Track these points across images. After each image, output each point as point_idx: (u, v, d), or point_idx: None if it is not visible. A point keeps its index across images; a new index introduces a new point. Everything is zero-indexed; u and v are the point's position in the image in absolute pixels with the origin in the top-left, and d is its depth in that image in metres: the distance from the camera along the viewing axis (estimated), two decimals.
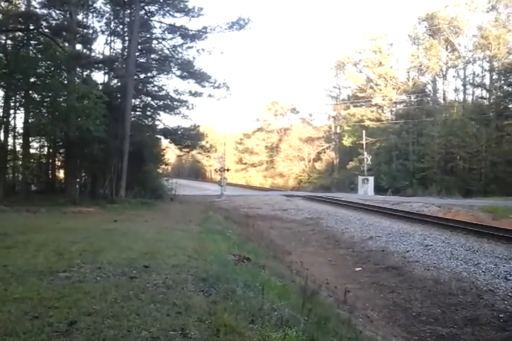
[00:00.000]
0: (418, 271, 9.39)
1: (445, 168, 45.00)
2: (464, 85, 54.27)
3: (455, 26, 50.89)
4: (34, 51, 22.51)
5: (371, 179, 43.83)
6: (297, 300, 5.79)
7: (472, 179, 43.44)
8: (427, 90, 56.11)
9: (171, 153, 36.85)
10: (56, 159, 27.19)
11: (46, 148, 27.01)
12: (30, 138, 23.90)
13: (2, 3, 22.09)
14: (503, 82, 49.57)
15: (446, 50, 53.30)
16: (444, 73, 55.30)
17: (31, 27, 21.74)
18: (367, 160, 47.39)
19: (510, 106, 48.98)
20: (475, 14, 51.87)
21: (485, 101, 51.29)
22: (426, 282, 8.56)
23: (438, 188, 42.55)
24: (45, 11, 23.63)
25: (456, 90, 56.09)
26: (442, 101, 55.74)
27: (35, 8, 23.58)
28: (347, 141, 59.48)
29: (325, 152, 67.65)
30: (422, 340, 6.32)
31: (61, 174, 27.05)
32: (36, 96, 22.38)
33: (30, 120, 22.28)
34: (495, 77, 50.55)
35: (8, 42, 22.58)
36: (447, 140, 45.14)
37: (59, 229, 10.26)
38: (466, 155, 44.33)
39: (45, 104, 21.98)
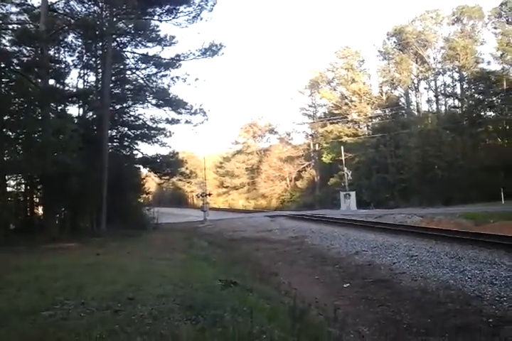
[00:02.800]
0: (406, 282, 9.41)
1: (424, 178, 45.57)
2: (436, 96, 55.63)
3: (423, 39, 52.50)
4: (6, 89, 22.42)
5: (353, 194, 44.16)
6: (287, 321, 5.75)
7: (452, 187, 44.02)
8: (400, 103, 57.30)
9: (151, 181, 36.67)
10: (34, 196, 26.77)
11: (23, 186, 26.63)
12: (6, 177, 23.55)
13: None
14: (473, 90, 51.06)
15: (416, 63, 54.74)
16: (416, 85, 56.74)
17: (2, 65, 21.70)
18: (347, 175, 47.81)
19: (482, 113, 50.31)
20: (441, 26, 53.89)
21: (457, 110, 52.61)
22: (414, 293, 8.57)
23: (419, 199, 43.03)
24: (15, 49, 23.62)
25: (429, 101, 57.57)
26: (416, 113, 56.92)
27: (5, 46, 23.57)
28: (326, 158, 60.04)
29: (305, 170, 68.05)
30: None
31: (40, 210, 26.62)
32: (11, 133, 22.18)
33: (5, 158, 22.02)
34: (465, 86, 52.06)
35: None
36: (424, 150, 45.90)
37: (40, 266, 10.04)
38: (443, 165, 45.06)
39: (20, 140, 21.78)
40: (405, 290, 8.90)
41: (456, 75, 53.58)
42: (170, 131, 31.56)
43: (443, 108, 56.52)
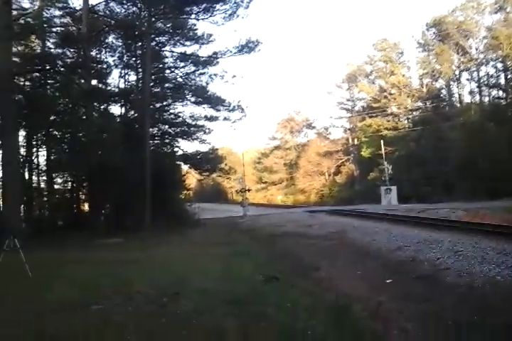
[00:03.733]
0: (450, 278, 9.21)
1: (468, 172, 44.24)
2: (479, 87, 53.86)
3: (464, 30, 50.83)
4: (51, 90, 23.20)
5: (394, 188, 43.32)
6: (329, 316, 5.76)
7: (497, 180, 42.54)
8: (442, 95, 55.75)
9: (191, 177, 37.15)
10: (80, 193, 27.65)
11: (70, 183, 27.52)
12: (53, 175, 24.43)
13: (18, 47, 22.90)
14: None
15: (458, 53, 53.13)
16: (458, 77, 55.10)
17: (47, 67, 22.47)
18: (387, 169, 46.92)
19: None
20: (483, 16, 51.88)
21: (502, 101, 50.69)
22: (459, 289, 8.39)
23: (463, 193, 41.78)
24: (59, 51, 24.48)
25: (471, 93, 55.76)
26: (459, 105, 55.33)
27: (50, 48, 24.46)
28: (366, 152, 59.15)
29: (344, 165, 67.28)
30: None
31: (86, 207, 27.44)
32: (57, 133, 22.99)
33: (52, 157, 22.86)
34: (510, 76, 50.07)
35: (26, 83, 23.33)
36: (467, 143, 44.56)
37: (87, 262, 10.41)
38: (488, 157, 43.59)
39: (65, 140, 22.56)
40: (450, 286, 8.72)
41: (499, 65, 51.67)
42: (209, 128, 31.98)
43: (486, 99, 54.67)
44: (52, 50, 24.33)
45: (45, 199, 24.64)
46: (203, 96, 30.54)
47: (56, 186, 26.18)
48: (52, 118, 22.26)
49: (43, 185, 25.01)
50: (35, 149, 23.90)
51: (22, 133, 23.10)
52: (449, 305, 7.69)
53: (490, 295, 7.77)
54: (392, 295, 8.91)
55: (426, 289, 8.87)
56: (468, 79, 55.32)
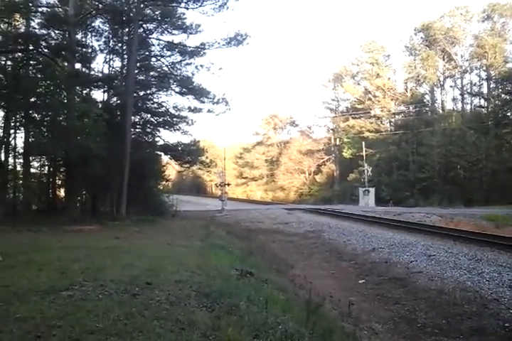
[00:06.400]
0: (422, 281, 9.34)
1: (446, 178, 44.97)
2: (462, 94, 54.57)
3: (451, 36, 51.39)
4: (34, 71, 22.70)
5: (372, 190, 43.73)
6: (301, 313, 5.77)
7: (473, 188, 43.40)
8: (425, 100, 56.25)
9: (171, 169, 36.89)
10: (57, 178, 27.17)
11: (47, 167, 27.03)
12: (30, 158, 23.97)
13: (1, 25, 22.32)
14: (500, 90, 49.81)
15: (443, 60, 53.73)
16: (442, 83, 55.66)
17: (31, 47, 21.97)
18: (367, 171, 47.31)
19: (508, 114, 49.17)
20: (470, 24, 52.54)
21: (483, 110, 51.42)
22: (430, 292, 8.51)
23: (439, 198, 42.46)
24: (44, 32, 23.86)
25: (454, 99, 56.46)
26: (441, 111, 55.94)
27: (35, 28, 23.85)
28: (347, 153, 59.53)
29: (325, 164, 67.62)
30: None
31: (62, 193, 27.02)
32: (36, 115, 22.51)
33: (30, 139, 22.40)
34: (492, 85, 50.86)
35: (8, 62, 22.78)
36: (447, 149, 45.23)
37: (61, 247, 10.24)
38: (466, 164, 44.37)
39: (45, 123, 22.12)
40: (421, 289, 8.85)
41: (483, 74, 52.45)
42: (192, 120, 31.61)
43: (468, 107, 55.49)
44: (36, 31, 23.76)
45: (21, 182, 24.16)
46: (188, 87, 30.19)
47: (32, 170, 25.69)
48: (32, 100, 21.77)
49: (18, 167, 24.51)
50: (12, 131, 23.32)
51: (0, 113, 22.63)
52: (419, 309, 7.80)
53: (459, 300, 7.89)
54: (363, 296, 9.01)
55: (397, 291, 8.99)
56: (451, 86, 56.10)
